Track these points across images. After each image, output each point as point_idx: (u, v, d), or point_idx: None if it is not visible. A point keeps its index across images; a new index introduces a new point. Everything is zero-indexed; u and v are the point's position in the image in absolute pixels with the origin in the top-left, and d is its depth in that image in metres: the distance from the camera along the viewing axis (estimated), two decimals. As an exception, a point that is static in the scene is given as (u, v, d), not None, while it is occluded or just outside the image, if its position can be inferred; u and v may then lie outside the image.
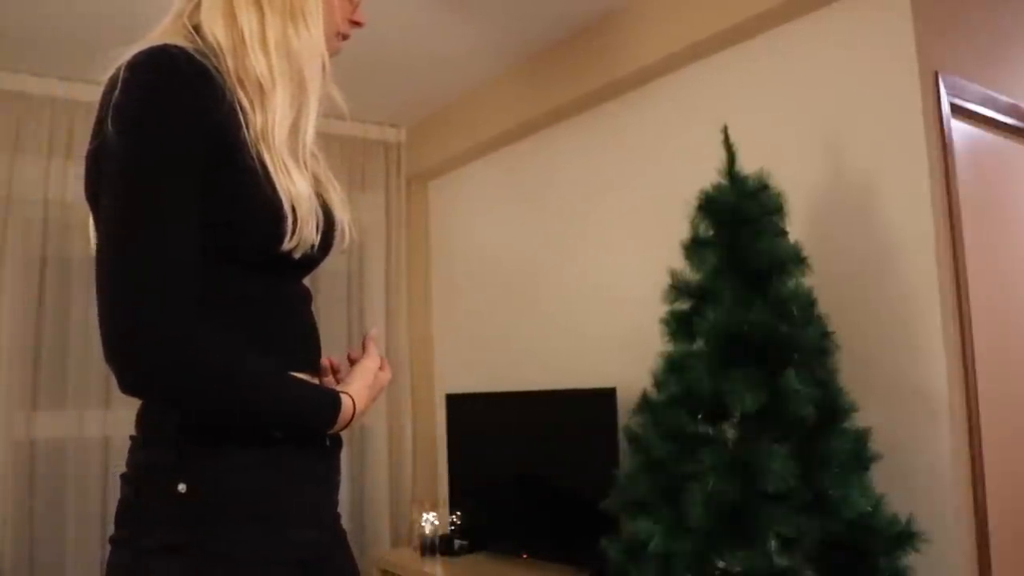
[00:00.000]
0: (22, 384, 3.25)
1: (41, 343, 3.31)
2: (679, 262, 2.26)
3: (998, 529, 2.28)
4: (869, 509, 2.00)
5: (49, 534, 3.22)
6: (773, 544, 1.97)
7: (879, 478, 2.09)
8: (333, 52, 1.14)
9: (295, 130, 1.04)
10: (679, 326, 2.20)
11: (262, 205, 0.96)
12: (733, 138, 2.27)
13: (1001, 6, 2.75)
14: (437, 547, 3.54)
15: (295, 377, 1.01)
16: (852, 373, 2.23)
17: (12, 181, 3.28)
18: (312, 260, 1.07)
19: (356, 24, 1.18)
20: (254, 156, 0.96)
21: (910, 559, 2.01)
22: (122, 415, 3.37)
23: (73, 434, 3.32)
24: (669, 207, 2.81)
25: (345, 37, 1.17)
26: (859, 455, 2.06)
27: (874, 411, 2.20)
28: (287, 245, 0.98)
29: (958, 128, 2.42)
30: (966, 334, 2.26)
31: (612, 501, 2.32)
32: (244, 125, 0.97)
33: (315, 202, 1.02)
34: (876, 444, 2.10)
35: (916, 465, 2.22)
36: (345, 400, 1.04)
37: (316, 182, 1.08)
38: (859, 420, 2.11)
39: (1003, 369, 2.46)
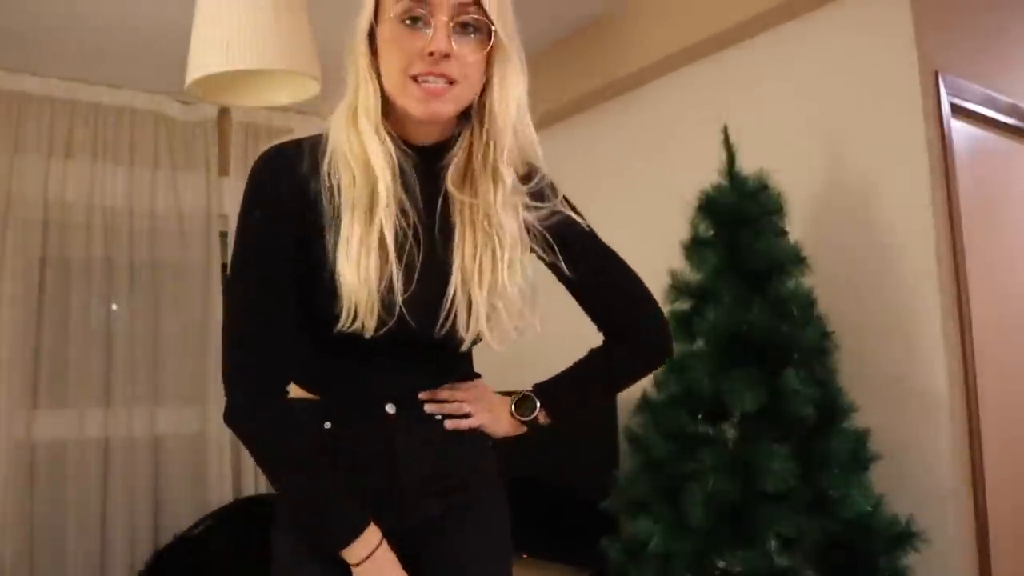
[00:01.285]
0: (22, 384, 3.24)
1: (41, 343, 3.30)
2: (679, 262, 2.26)
3: (998, 529, 2.28)
4: (869, 509, 2.00)
5: (49, 534, 3.21)
6: (773, 544, 1.97)
7: (879, 478, 2.09)
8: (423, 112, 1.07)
9: (367, 211, 1.05)
10: (679, 326, 2.20)
11: (322, 291, 1.03)
12: (733, 138, 2.27)
13: (1001, 6, 2.74)
14: (437, 547, 3.53)
15: (337, 491, 1.06)
16: (852, 373, 2.23)
17: (12, 181, 3.28)
18: (391, 339, 1.07)
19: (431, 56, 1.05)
20: (329, 240, 1.03)
21: (910, 559, 2.01)
22: (122, 415, 3.37)
23: (73, 434, 3.31)
24: (669, 207, 2.80)
25: (421, 79, 1.06)
26: (859, 455, 2.06)
27: (874, 411, 2.20)
28: (340, 327, 1.03)
29: (958, 128, 2.42)
30: (966, 334, 2.26)
31: (612, 501, 2.32)
32: (323, 208, 1.04)
33: (370, 289, 1.02)
34: (876, 444, 2.10)
35: (916, 465, 2.22)
36: (362, 541, 1.04)
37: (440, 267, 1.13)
38: (859, 420, 2.11)
39: (1003, 369, 2.45)
